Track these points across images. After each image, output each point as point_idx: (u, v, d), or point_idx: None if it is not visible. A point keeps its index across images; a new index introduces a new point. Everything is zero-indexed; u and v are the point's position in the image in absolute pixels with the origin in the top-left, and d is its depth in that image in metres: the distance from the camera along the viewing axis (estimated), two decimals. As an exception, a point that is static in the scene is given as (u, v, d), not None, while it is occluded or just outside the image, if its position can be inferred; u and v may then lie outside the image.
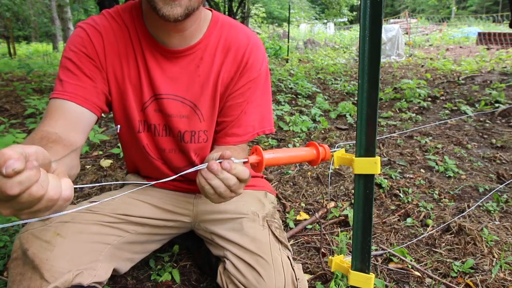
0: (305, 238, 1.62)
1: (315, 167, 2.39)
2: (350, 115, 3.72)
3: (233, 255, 1.03)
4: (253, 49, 1.05)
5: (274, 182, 2.19)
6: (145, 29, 1.00)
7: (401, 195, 2.00)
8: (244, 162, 0.74)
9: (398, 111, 3.95)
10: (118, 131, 1.11)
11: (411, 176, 2.26)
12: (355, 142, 0.73)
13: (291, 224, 1.68)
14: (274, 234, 1.09)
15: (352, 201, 1.91)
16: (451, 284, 1.30)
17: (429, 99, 4.46)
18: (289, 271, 1.00)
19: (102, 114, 1.10)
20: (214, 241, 1.13)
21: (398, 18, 22.45)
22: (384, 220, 1.76)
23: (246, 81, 1.06)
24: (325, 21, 24.13)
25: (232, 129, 1.08)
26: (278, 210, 1.81)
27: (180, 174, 0.72)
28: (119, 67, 1.01)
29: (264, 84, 1.09)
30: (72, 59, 0.96)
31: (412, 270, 1.39)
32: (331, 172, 2.34)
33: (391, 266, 1.42)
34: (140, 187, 0.81)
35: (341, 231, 1.63)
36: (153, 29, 0.99)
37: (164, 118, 1.08)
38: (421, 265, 1.43)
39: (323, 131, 3.25)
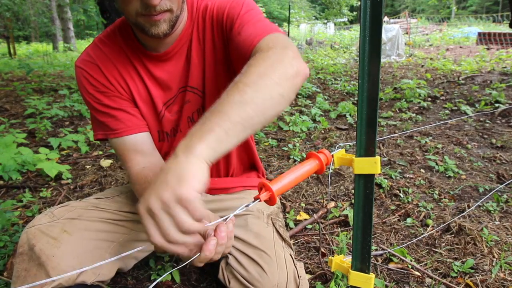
0: (305, 238, 1.62)
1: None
2: (350, 115, 3.72)
3: (237, 250, 1.04)
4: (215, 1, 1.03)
5: (274, 182, 2.19)
6: (138, 43, 1.02)
7: (401, 195, 2.00)
8: (257, 202, 0.68)
9: (398, 111, 3.95)
10: None
11: (411, 176, 2.26)
12: (355, 142, 0.73)
13: (291, 224, 1.68)
14: (278, 232, 1.10)
15: (352, 201, 1.91)
16: (451, 284, 1.30)
17: (429, 99, 4.46)
18: (291, 268, 1.01)
19: None
20: None
21: (398, 18, 22.44)
22: (384, 220, 1.76)
23: (226, 18, 0.99)
24: (325, 21, 24.11)
25: (242, 58, 0.90)
26: (278, 210, 1.82)
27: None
28: (126, 86, 1.04)
29: (241, 9, 0.98)
30: (96, 102, 1.02)
31: (412, 270, 1.39)
32: (331, 172, 2.34)
33: (391, 266, 1.42)
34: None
35: (341, 231, 1.63)
36: (145, 41, 1.01)
37: (176, 116, 1.10)
38: (421, 265, 1.43)
39: (323, 131, 3.25)
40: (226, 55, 1.04)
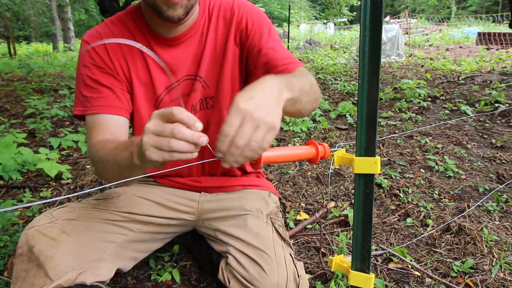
0: (305, 238, 1.62)
1: (315, 167, 2.39)
2: (350, 115, 3.72)
3: (236, 250, 1.04)
4: (240, 4, 1.11)
5: (274, 182, 2.19)
6: (147, 27, 1.06)
7: (401, 195, 2.00)
8: None
9: (398, 111, 3.95)
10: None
11: (411, 176, 2.26)
12: (355, 142, 0.73)
13: (291, 224, 1.68)
14: (277, 231, 1.10)
15: (352, 201, 1.91)
16: (451, 284, 1.30)
17: (429, 99, 4.46)
18: (291, 268, 1.01)
19: None
20: (217, 237, 1.14)
21: (398, 18, 22.43)
22: (384, 220, 1.76)
23: (250, 29, 1.09)
24: (325, 21, 24.11)
25: (275, 69, 1.05)
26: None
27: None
28: (126, 68, 1.06)
29: (269, 28, 1.10)
30: (87, 74, 1.03)
31: (412, 270, 1.39)
32: (331, 172, 2.34)
33: (391, 266, 1.42)
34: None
35: (341, 231, 1.63)
36: (155, 26, 1.05)
37: (177, 103, 1.12)
38: (421, 265, 1.43)
39: (323, 131, 3.25)
40: (237, 56, 1.11)
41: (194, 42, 1.09)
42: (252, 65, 1.11)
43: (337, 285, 1.28)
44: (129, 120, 1.11)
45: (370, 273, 0.76)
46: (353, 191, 2.03)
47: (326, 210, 1.83)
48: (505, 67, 6.73)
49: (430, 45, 13.55)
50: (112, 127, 1.01)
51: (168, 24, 1.01)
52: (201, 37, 1.10)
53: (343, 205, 1.90)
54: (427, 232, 1.64)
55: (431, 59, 9.05)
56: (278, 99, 0.72)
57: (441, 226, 1.69)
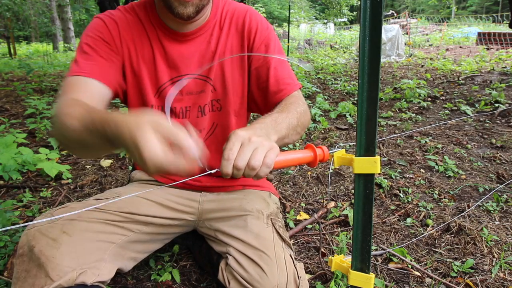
0: (305, 238, 1.62)
1: (315, 167, 2.39)
2: (350, 115, 3.73)
3: (236, 250, 1.04)
4: (252, 15, 1.15)
5: (274, 182, 2.19)
6: (159, 19, 1.08)
7: (401, 195, 2.00)
8: None
9: (398, 111, 3.95)
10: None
11: (411, 176, 2.26)
12: (355, 142, 0.73)
13: (291, 224, 1.68)
14: (278, 232, 1.10)
15: (352, 201, 1.91)
16: (451, 284, 1.30)
17: (429, 99, 4.46)
18: (291, 269, 1.01)
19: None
20: (217, 238, 1.14)
21: (398, 18, 22.43)
22: (384, 220, 1.76)
23: (257, 42, 1.13)
24: (325, 21, 24.12)
25: (273, 87, 1.12)
26: (278, 210, 1.82)
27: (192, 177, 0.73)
28: (134, 53, 1.08)
29: (275, 43, 1.16)
30: (89, 43, 1.03)
31: (412, 270, 1.39)
32: (331, 172, 2.34)
33: (391, 266, 1.42)
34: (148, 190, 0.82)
35: (341, 231, 1.63)
36: (166, 20, 1.07)
37: (183, 99, 1.13)
38: (421, 265, 1.43)
39: (323, 131, 3.25)
40: (245, 63, 1.14)
41: (202, 42, 1.11)
42: (253, 77, 1.15)
43: (337, 285, 1.28)
44: (121, 100, 1.14)
45: (370, 273, 0.76)
46: (353, 191, 2.03)
47: (326, 210, 1.83)
48: (505, 67, 6.73)
49: (430, 45, 13.55)
50: (92, 91, 0.96)
51: (178, 20, 1.04)
52: (210, 38, 1.12)
53: (343, 205, 1.90)
54: (427, 232, 1.64)
55: (431, 59, 9.05)
56: (269, 137, 0.81)
57: (441, 226, 1.69)
